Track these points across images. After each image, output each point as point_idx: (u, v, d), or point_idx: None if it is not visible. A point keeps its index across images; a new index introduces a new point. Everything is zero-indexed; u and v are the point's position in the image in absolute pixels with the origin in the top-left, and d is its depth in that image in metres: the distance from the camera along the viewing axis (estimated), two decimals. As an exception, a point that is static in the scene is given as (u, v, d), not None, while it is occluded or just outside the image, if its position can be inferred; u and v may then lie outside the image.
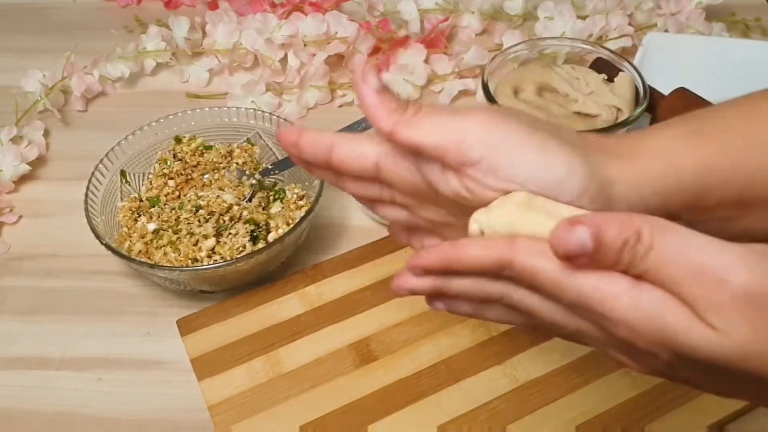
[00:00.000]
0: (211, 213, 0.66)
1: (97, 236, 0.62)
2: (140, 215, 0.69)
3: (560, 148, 0.36)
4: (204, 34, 0.93)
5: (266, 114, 0.73)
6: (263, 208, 0.69)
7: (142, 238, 0.65)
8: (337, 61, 0.90)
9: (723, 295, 0.30)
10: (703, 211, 0.38)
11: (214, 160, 0.72)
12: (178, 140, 0.73)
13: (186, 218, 0.66)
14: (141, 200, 0.71)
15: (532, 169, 0.35)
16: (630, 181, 0.36)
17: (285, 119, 0.72)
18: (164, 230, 0.65)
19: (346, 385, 0.58)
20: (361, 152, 0.41)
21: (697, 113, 0.39)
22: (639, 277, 0.32)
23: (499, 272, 0.35)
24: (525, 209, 0.35)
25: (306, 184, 0.70)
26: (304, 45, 0.88)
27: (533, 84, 0.78)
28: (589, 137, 0.38)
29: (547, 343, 0.60)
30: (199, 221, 0.65)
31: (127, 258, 0.62)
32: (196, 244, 0.64)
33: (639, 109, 0.72)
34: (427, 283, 0.37)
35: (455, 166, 0.37)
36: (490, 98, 0.75)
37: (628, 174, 0.36)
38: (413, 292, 0.38)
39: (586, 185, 0.35)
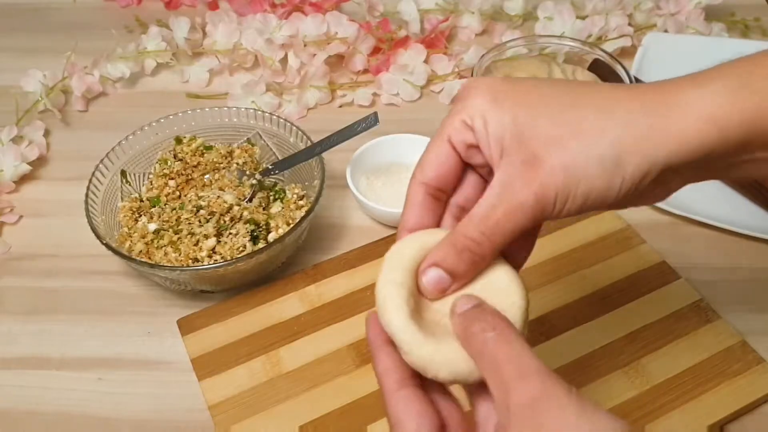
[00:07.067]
0: (212, 213, 0.66)
1: (98, 236, 0.62)
2: (141, 215, 0.69)
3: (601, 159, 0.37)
4: (204, 34, 0.93)
5: (266, 114, 0.73)
6: (263, 208, 0.69)
7: (143, 238, 0.65)
8: (337, 62, 0.90)
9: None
10: (746, 156, 0.37)
11: (215, 160, 0.72)
12: (178, 140, 0.74)
13: (186, 218, 0.66)
14: (141, 200, 0.71)
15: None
16: (670, 143, 0.36)
17: (285, 119, 0.72)
18: (165, 230, 0.65)
19: (345, 385, 0.59)
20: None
21: (746, 60, 0.38)
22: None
23: None
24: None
25: (306, 184, 0.70)
26: (305, 45, 0.88)
27: (526, 74, 0.78)
28: (624, 93, 0.38)
29: (547, 343, 0.60)
30: (199, 221, 0.65)
31: (127, 258, 0.62)
32: (196, 244, 0.64)
33: None
34: None
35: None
36: None
37: (667, 137, 0.36)
38: None
39: (631, 173, 0.37)
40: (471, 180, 0.42)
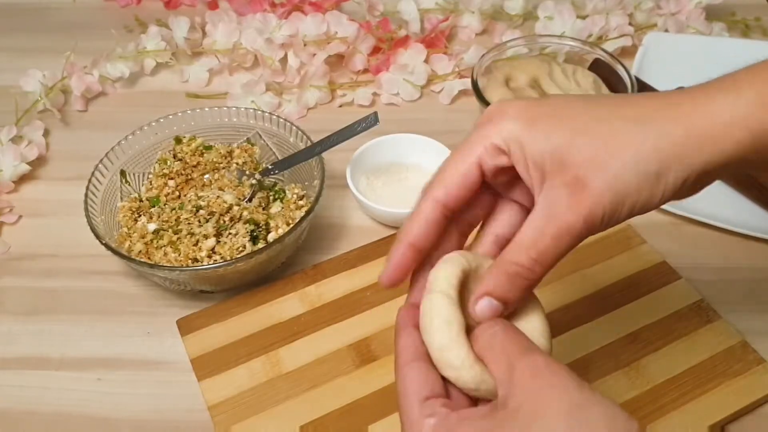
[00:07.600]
0: (212, 213, 0.66)
1: (97, 236, 0.62)
2: (140, 215, 0.69)
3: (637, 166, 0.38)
4: (204, 33, 0.93)
5: (266, 114, 0.73)
6: (263, 208, 0.69)
7: (143, 238, 0.65)
8: (337, 61, 0.90)
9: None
10: None
11: (214, 160, 0.72)
12: (178, 140, 0.73)
13: (186, 218, 0.66)
14: (141, 200, 0.71)
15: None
16: (706, 150, 0.37)
17: (285, 119, 0.72)
18: (164, 230, 0.65)
19: (346, 385, 0.58)
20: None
21: None
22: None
23: None
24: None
25: (306, 184, 0.70)
26: (304, 45, 0.88)
27: (527, 74, 0.78)
28: (656, 102, 0.39)
29: (547, 343, 0.60)
30: (199, 221, 0.65)
31: (127, 258, 0.62)
32: (196, 244, 0.64)
33: None
34: None
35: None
36: (478, 92, 0.75)
37: (703, 145, 0.37)
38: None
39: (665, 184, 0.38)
40: (482, 199, 0.43)
